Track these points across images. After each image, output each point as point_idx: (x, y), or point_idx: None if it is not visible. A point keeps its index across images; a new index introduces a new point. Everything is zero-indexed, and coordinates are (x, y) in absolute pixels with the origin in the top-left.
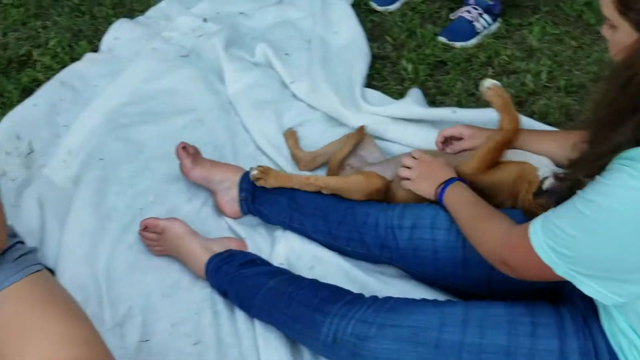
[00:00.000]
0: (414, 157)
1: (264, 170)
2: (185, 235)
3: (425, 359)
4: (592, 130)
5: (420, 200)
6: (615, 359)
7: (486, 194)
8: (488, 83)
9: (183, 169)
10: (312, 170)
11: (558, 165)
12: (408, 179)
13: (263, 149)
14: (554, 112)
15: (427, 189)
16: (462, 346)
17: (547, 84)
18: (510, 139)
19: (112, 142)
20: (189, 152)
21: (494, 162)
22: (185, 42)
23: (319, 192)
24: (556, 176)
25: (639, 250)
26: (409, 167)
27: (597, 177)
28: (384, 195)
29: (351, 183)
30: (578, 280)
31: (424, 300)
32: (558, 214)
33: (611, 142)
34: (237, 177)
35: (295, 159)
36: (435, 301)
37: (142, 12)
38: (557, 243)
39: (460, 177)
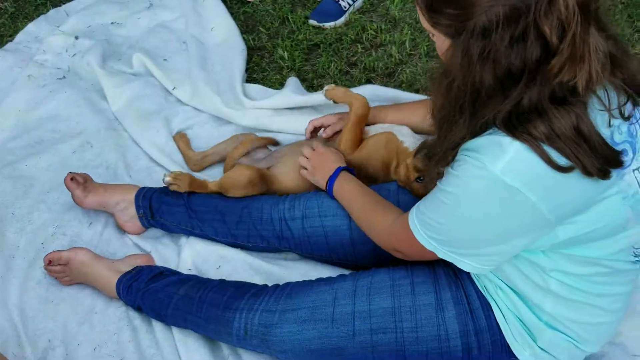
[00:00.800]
0: (312, 148)
1: (177, 176)
2: (90, 261)
3: (325, 333)
4: (435, 128)
5: (307, 188)
6: (485, 300)
7: (362, 171)
8: (324, 88)
9: (75, 199)
10: (202, 168)
11: (417, 132)
12: (306, 169)
13: (156, 159)
14: (420, 78)
15: (320, 181)
16: (354, 315)
17: (411, 52)
18: (362, 114)
19: (0, 181)
20: (78, 182)
21: (358, 139)
22: (60, 63)
23: (218, 194)
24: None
25: (493, 227)
26: (307, 158)
27: (449, 169)
28: (263, 186)
29: (225, 180)
30: (456, 260)
31: (318, 280)
32: (428, 206)
33: (451, 138)
34: (131, 196)
35: (186, 159)
36: (328, 279)
37: (11, 36)
38: (432, 231)
39: (347, 166)
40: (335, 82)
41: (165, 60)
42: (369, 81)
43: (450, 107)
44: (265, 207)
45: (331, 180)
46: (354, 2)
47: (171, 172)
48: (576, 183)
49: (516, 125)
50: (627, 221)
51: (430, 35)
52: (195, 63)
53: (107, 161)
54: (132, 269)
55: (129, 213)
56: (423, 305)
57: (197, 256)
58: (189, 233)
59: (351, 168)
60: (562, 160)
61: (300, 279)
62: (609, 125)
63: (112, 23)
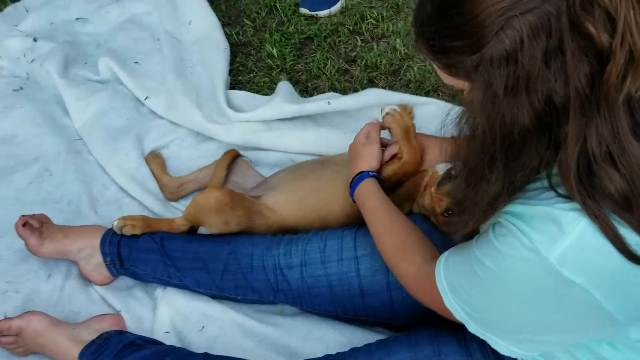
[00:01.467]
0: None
1: (128, 219)
2: (46, 330)
3: None
4: (463, 178)
5: (310, 224)
6: None
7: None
8: (388, 109)
9: (30, 248)
10: (180, 197)
11: None
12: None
13: (126, 189)
14: (430, 76)
15: (350, 173)
16: None
17: None
18: (410, 170)
19: None
20: (33, 228)
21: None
22: (18, 70)
23: (191, 233)
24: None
25: (539, 318)
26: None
27: (490, 234)
28: (244, 213)
29: (190, 207)
30: (491, 340)
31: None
32: (459, 268)
33: (483, 197)
34: (96, 241)
35: (161, 187)
36: (338, 357)
37: None
38: (462, 302)
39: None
40: (332, 84)
41: (136, 63)
42: (371, 82)
43: (477, 160)
44: (255, 252)
45: (352, 186)
46: None
47: (119, 219)
48: None
49: (580, 188)
50: None
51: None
52: (171, 67)
53: (69, 194)
54: (97, 338)
55: (94, 261)
56: None
57: (176, 314)
58: (166, 283)
59: (379, 177)
60: None
61: (301, 341)
62: None
63: (77, 19)
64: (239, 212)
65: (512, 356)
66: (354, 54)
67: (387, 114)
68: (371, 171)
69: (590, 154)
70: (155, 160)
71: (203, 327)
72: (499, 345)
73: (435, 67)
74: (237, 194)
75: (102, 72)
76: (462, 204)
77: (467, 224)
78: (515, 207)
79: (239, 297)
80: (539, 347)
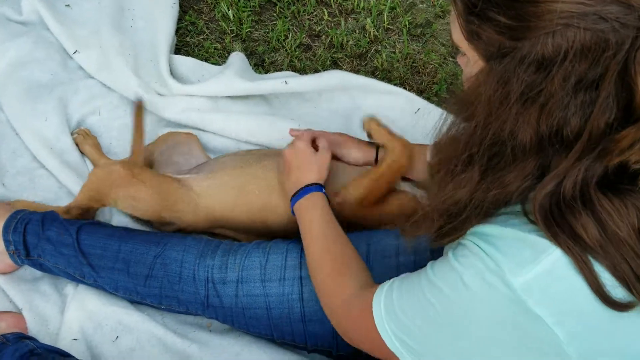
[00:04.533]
0: (295, 145)
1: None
2: None
3: None
4: (428, 173)
5: (242, 221)
6: None
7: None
8: (363, 118)
9: None
10: None
11: None
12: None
13: (41, 160)
14: (399, 65)
15: (290, 187)
16: None
17: (389, 26)
18: (402, 167)
19: None
20: None
21: (379, 196)
22: None
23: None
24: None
25: (492, 353)
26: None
27: (449, 255)
28: (159, 190)
29: (95, 177)
30: None
31: None
32: (405, 294)
33: (444, 196)
34: None
35: None
36: None
37: None
38: (403, 332)
39: (324, 190)
40: (292, 60)
41: (67, 6)
42: (335, 63)
43: (455, 152)
44: (187, 258)
45: (296, 197)
46: None
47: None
48: (630, 326)
49: (558, 220)
50: None
51: (461, 57)
52: (108, 17)
53: None
54: None
55: None
56: None
57: (87, 319)
58: (78, 281)
59: (323, 190)
60: (618, 292)
61: None
62: None
63: None
64: (148, 190)
65: None
66: (319, 28)
67: (365, 121)
68: (321, 185)
69: (561, 193)
70: (87, 140)
71: (117, 337)
72: None
73: (454, 21)
74: (148, 170)
75: (25, 12)
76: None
77: (419, 227)
78: (482, 228)
79: (163, 307)
80: None
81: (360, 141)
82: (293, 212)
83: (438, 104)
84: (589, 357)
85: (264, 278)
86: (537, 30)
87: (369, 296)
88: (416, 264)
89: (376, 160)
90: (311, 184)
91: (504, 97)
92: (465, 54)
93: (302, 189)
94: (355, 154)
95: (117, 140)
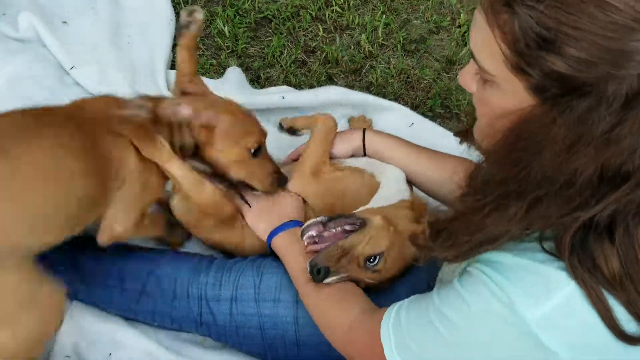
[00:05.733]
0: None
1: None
2: None
3: None
4: (467, 205)
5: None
6: None
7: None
8: (279, 121)
9: None
10: None
11: (431, 194)
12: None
13: None
14: (394, 81)
15: (262, 231)
16: None
17: (384, 42)
18: (329, 127)
19: None
20: None
21: (324, 158)
22: None
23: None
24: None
25: None
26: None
27: (455, 282)
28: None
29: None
30: None
31: None
32: (414, 321)
33: (486, 231)
34: None
35: None
36: None
37: None
38: (411, 356)
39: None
40: (287, 76)
41: (64, 22)
42: (330, 79)
43: (503, 188)
44: (181, 275)
45: (274, 232)
46: None
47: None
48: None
49: (581, 250)
50: None
51: (474, 79)
52: (105, 33)
53: None
54: None
55: None
56: None
57: (80, 336)
58: (70, 298)
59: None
60: (632, 327)
61: None
62: None
63: None
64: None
65: None
66: (314, 44)
67: (281, 121)
68: (297, 220)
69: (594, 223)
70: None
71: (110, 354)
72: None
73: (489, 47)
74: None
75: (22, 29)
76: (454, 239)
77: (447, 251)
78: (492, 255)
79: (155, 323)
80: None
81: (337, 134)
82: (269, 249)
83: (433, 119)
84: None
85: (258, 298)
86: (623, 69)
87: (375, 322)
88: None
89: (364, 144)
90: (289, 220)
91: (578, 138)
92: (483, 80)
93: (280, 225)
94: (340, 146)
95: None
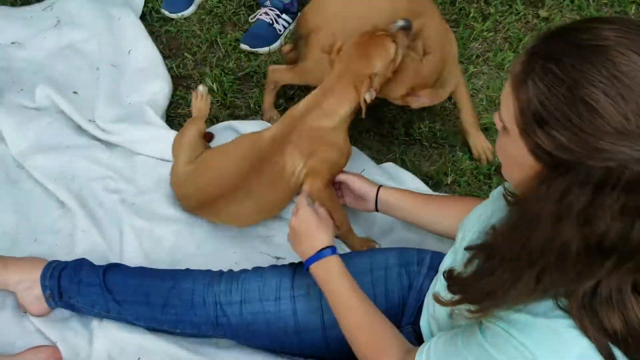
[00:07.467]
0: (299, 214)
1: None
2: None
3: None
4: (481, 267)
5: None
6: None
7: None
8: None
9: None
10: None
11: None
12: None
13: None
14: None
15: (303, 255)
16: None
17: None
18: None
19: None
20: None
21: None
22: None
23: (140, 272)
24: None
25: None
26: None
27: (479, 337)
28: None
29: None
30: None
31: None
32: None
33: (498, 295)
34: (36, 274)
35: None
36: None
37: None
38: None
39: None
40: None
41: (75, 93)
42: None
43: (517, 259)
44: (197, 288)
45: (311, 260)
46: (289, 24)
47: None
48: None
49: (589, 314)
50: None
51: (499, 123)
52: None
53: (4, 225)
54: None
55: (33, 293)
56: None
57: (112, 346)
58: (103, 317)
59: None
60: None
61: None
62: None
63: (13, 43)
64: None
65: None
66: (292, 92)
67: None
68: (334, 246)
69: (603, 292)
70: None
71: (139, 358)
72: None
73: (510, 102)
74: None
75: (38, 100)
76: (469, 294)
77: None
78: (512, 315)
79: (177, 331)
80: None
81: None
82: (306, 269)
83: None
84: None
85: (262, 298)
86: (596, 161)
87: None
88: (387, 279)
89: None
90: (324, 248)
91: (561, 213)
92: (503, 127)
93: (316, 253)
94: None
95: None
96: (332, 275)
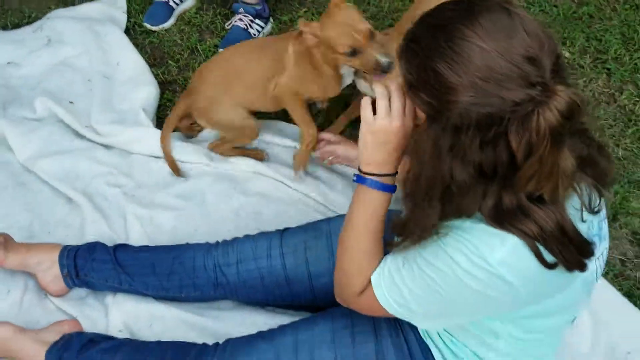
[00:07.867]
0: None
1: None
2: (13, 336)
3: None
4: (406, 206)
5: None
6: (425, 346)
7: None
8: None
9: None
10: None
11: None
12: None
13: (77, 200)
14: None
15: (374, 159)
16: None
17: None
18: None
19: None
20: None
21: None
22: None
23: (146, 249)
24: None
25: (473, 307)
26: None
27: (436, 239)
28: None
29: None
30: (415, 321)
31: (257, 337)
32: (405, 275)
33: (424, 223)
34: (55, 255)
35: None
36: (269, 333)
37: None
38: (401, 298)
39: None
40: None
41: (71, 102)
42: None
43: (421, 194)
44: (197, 255)
45: (370, 180)
46: (263, 28)
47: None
48: (556, 276)
49: (507, 222)
50: (582, 299)
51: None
52: (99, 109)
53: (19, 222)
54: (60, 338)
55: (52, 273)
56: (363, 355)
57: (126, 315)
58: (116, 290)
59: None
60: (549, 257)
61: (236, 328)
62: (583, 219)
63: (9, 63)
64: None
65: (431, 329)
66: None
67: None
68: (395, 185)
69: (507, 205)
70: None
71: (151, 324)
72: (421, 324)
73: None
74: None
75: (38, 111)
76: (408, 230)
77: (413, 238)
78: (459, 222)
79: (182, 295)
80: (455, 324)
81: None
82: (355, 180)
83: None
84: (535, 299)
85: (255, 256)
86: (451, 109)
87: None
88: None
89: None
90: (390, 182)
91: (439, 152)
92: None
93: (380, 176)
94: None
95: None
96: (378, 206)
